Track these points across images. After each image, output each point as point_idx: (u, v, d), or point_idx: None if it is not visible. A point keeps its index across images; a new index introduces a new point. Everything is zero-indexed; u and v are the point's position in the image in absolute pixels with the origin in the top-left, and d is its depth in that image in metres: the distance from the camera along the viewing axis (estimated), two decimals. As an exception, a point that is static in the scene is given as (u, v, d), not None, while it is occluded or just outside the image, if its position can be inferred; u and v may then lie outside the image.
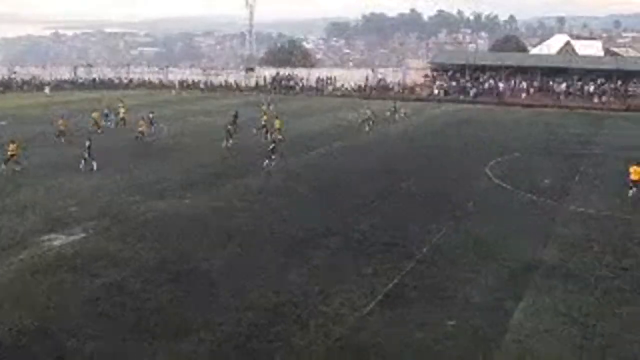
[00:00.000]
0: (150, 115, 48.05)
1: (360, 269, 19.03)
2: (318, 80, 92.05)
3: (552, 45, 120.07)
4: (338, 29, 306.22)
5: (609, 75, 78.89)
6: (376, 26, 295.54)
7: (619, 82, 77.81)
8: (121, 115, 50.45)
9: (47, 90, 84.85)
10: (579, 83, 79.43)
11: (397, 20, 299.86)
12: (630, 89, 76.75)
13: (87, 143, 33.06)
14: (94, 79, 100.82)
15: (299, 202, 27.22)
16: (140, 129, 42.76)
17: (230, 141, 40.56)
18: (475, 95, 79.32)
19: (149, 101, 71.08)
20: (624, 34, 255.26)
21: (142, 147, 40.50)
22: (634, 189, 28.98)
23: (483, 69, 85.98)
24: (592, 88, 77.86)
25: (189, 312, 15.80)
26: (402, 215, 25.06)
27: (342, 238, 22.12)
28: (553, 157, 39.22)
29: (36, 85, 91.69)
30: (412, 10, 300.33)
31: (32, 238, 21.42)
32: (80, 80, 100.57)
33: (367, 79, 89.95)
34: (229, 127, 41.43)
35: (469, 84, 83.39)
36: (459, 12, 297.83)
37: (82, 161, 32.67)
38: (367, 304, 16.52)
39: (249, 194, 28.27)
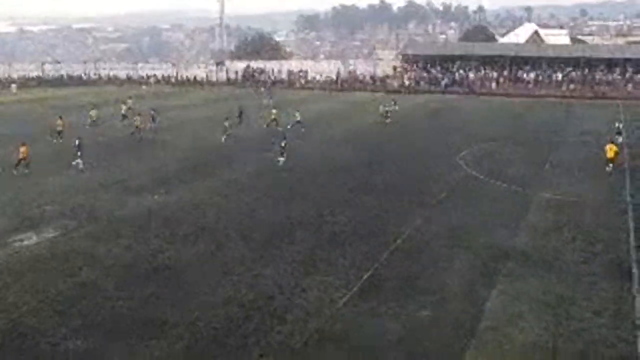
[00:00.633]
0: (152, 112, 47.72)
1: (336, 261, 19.11)
2: (289, 73, 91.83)
3: (520, 35, 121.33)
4: (308, 21, 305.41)
5: (576, 63, 79.91)
6: (346, 18, 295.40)
7: (586, 70, 78.87)
8: (123, 111, 49.99)
9: (13, 88, 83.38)
10: (548, 72, 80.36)
11: (367, 11, 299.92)
12: (597, 76, 77.83)
13: (77, 141, 32.88)
14: (62, 76, 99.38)
15: (273, 196, 27.17)
16: (136, 124, 42.36)
17: (224, 136, 40.44)
18: (446, 85, 79.80)
19: (121, 97, 70.27)
20: (590, 23, 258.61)
21: (118, 143, 40.02)
22: (610, 165, 30.80)
23: (453, 59, 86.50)
24: (560, 76, 78.82)
25: (164, 310, 15.73)
26: (377, 207, 25.17)
27: (317, 231, 22.16)
28: (524, 146, 39.66)
29: (1, 83, 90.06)
30: (382, 2, 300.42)
31: (3, 238, 21.13)
32: (48, 78, 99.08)
33: (338, 71, 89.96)
34: (225, 123, 41.20)
35: (439, 75, 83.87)
36: (429, 3, 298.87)
37: (78, 160, 32.50)
38: (343, 295, 16.60)
39: (223, 189, 28.15)
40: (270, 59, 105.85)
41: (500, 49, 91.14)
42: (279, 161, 33.07)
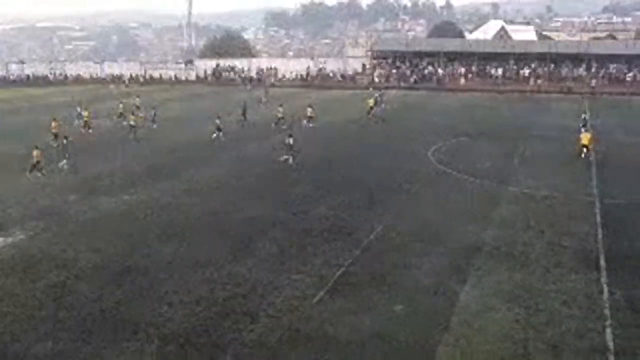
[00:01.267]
0: (153, 111, 47.43)
1: (308, 259, 19.10)
2: (259, 71, 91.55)
3: (487, 31, 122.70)
4: (277, 19, 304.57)
5: (542, 58, 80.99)
6: (315, 15, 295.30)
7: (552, 66, 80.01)
8: (120, 110, 49.43)
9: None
10: (515, 67, 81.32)
11: (336, 9, 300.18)
12: (562, 71, 78.99)
13: (64, 142, 32.59)
14: (28, 76, 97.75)
15: (245, 194, 27.07)
16: (131, 123, 41.82)
17: (219, 134, 40.26)
18: (415, 81, 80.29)
19: (89, 96, 69.42)
20: (555, 19, 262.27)
21: (86, 144, 39.42)
22: (585, 151, 33.19)
23: (422, 55, 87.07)
24: (527, 72, 79.83)
25: (136, 311, 15.57)
26: (348, 204, 25.21)
27: (289, 229, 22.13)
28: (492, 141, 40.06)
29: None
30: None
31: (-32, 242, 20.70)
32: (12, 77, 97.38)
33: (308, 68, 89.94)
34: (217, 121, 40.90)
35: (408, 71, 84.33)
36: (397, 0, 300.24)
37: (64, 161, 32.15)
38: (316, 293, 16.61)
39: (192, 188, 27.94)
40: (239, 57, 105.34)
41: (468, 45, 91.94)
42: (286, 159, 32.68)
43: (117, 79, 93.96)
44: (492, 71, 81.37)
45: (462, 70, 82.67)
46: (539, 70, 79.84)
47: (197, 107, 57.80)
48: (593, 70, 77.96)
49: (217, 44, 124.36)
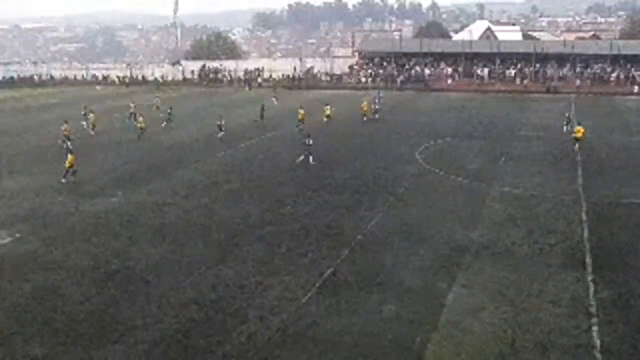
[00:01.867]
0: (169, 111, 47.42)
1: (297, 259, 19.13)
2: (246, 71, 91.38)
3: (473, 31, 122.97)
4: (263, 19, 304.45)
5: (528, 59, 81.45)
6: (302, 16, 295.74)
7: (538, 65, 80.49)
8: (131, 111, 49.14)
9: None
10: (501, 67, 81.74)
11: (322, 9, 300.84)
12: (548, 71, 79.48)
13: (68, 144, 32.34)
14: (13, 77, 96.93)
15: (232, 194, 27.04)
16: (140, 125, 41.59)
17: (222, 134, 40.31)
18: (402, 82, 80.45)
19: (75, 97, 69.11)
20: (540, 19, 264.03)
21: (83, 145, 39.18)
22: (577, 144, 35.45)
23: (409, 55, 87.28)
24: (513, 72, 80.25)
25: (124, 313, 15.54)
26: (336, 204, 25.26)
27: (277, 229, 22.15)
28: (479, 141, 40.24)
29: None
30: (338, 0, 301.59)
31: (-47, 245, 20.56)
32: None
33: (295, 69, 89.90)
34: (219, 122, 40.99)
35: (395, 72, 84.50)
36: (383, 0, 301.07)
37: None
38: (305, 293, 16.64)
39: (181, 189, 27.88)
40: (226, 58, 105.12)
41: (454, 45, 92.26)
42: (303, 159, 32.57)
43: (104, 80, 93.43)
44: (478, 71, 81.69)
45: (449, 70, 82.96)
46: (525, 70, 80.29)
47: (188, 108, 57.54)
48: (578, 70, 78.50)
49: (203, 45, 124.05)
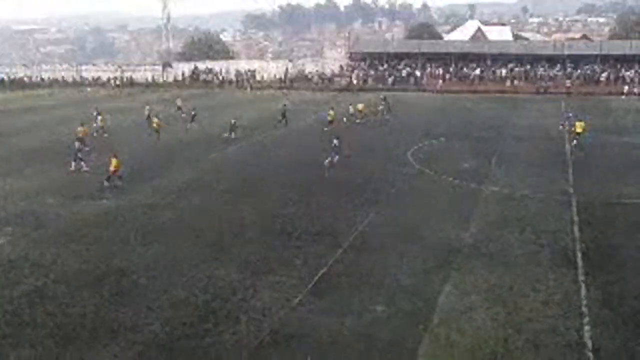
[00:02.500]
0: (193, 112, 47.25)
1: (289, 260, 19.10)
2: (237, 73, 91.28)
3: (464, 32, 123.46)
4: (255, 20, 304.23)
5: (519, 59, 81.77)
6: (293, 17, 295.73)
7: (528, 66, 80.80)
8: (147, 113, 48.66)
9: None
10: (492, 68, 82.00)
11: (313, 11, 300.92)
12: (538, 72, 79.80)
13: (77, 145, 32.28)
14: (3, 79, 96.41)
15: (224, 196, 26.99)
16: (155, 126, 41.27)
17: (233, 134, 40.60)
18: (393, 83, 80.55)
19: (67, 100, 68.89)
20: (530, 20, 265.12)
21: (62, 148, 39.00)
22: (577, 139, 36.74)
23: (400, 56, 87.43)
24: (504, 72, 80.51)
25: (116, 315, 15.47)
26: (328, 205, 25.25)
27: (269, 230, 22.11)
28: (471, 141, 40.34)
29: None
30: (329, 1, 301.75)
31: (-57, 248, 20.40)
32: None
33: (286, 70, 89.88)
34: (233, 121, 41.36)
35: (386, 72, 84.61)
36: (374, 1, 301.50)
37: (73, 162, 31.93)
38: (297, 294, 16.62)
39: (172, 191, 27.79)
40: (217, 59, 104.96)
41: (445, 46, 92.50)
42: (328, 159, 32.21)
43: (95, 82, 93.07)
44: (469, 72, 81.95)
45: (440, 71, 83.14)
46: (516, 71, 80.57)
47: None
48: (568, 70, 78.84)
49: (195, 46, 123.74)
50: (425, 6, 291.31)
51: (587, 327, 14.71)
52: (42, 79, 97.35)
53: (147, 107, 49.77)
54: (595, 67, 78.80)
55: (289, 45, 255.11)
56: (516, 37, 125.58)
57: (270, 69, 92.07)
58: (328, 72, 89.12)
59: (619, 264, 18.85)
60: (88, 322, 15.15)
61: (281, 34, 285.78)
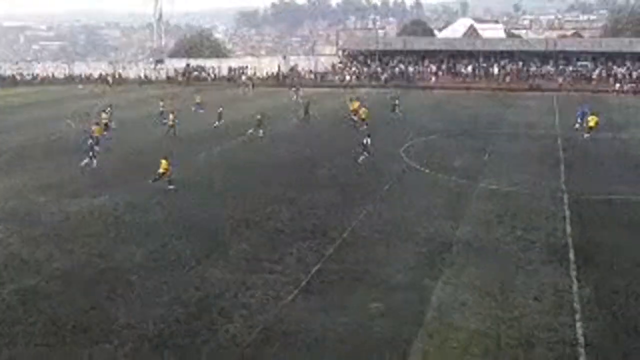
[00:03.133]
0: (220, 110, 46.50)
1: (282, 258, 19.11)
2: (230, 70, 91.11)
3: (457, 29, 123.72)
4: (247, 17, 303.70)
5: (511, 56, 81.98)
6: (286, 14, 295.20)
7: (521, 63, 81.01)
8: (161, 108, 48.47)
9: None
10: (484, 65, 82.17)
11: (306, 7, 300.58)
12: (531, 69, 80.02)
13: (90, 142, 32.35)
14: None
15: (217, 194, 26.96)
16: (170, 123, 41.06)
17: (261, 132, 40.59)
18: (386, 80, 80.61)
19: (59, 97, 68.63)
20: (523, 17, 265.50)
21: (54, 146, 38.89)
22: (590, 133, 38.56)
23: (393, 53, 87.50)
24: (496, 69, 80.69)
25: (109, 313, 15.44)
26: (321, 202, 25.26)
27: (262, 228, 22.11)
28: (463, 138, 40.42)
29: None
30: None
31: None
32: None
33: (279, 67, 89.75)
34: (259, 116, 41.32)
35: (379, 69, 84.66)
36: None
37: (86, 159, 31.86)
38: (291, 292, 16.63)
39: (164, 188, 27.67)
40: (210, 56, 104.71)
41: (438, 43, 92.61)
42: (360, 158, 32.25)
43: (86, 79, 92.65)
44: (462, 69, 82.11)
45: (433, 68, 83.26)
46: (508, 68, 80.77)
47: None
48: (560, 67, 79.09)
49: (187, 43, 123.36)
50: (418, 3, 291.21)
51: (579, 323, 14.79)
52: (34, 76, 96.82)
53: (161, 103, 49.32)
54: (587, 64, 79.05)
55: (282, 42, 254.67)
56: (508, 34, 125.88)
57: (263, 66, 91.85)
58: (321, 68, 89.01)
59: (611, 260, 18.93)
60: (81, 320, 15.10)
61: (274, 31, 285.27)
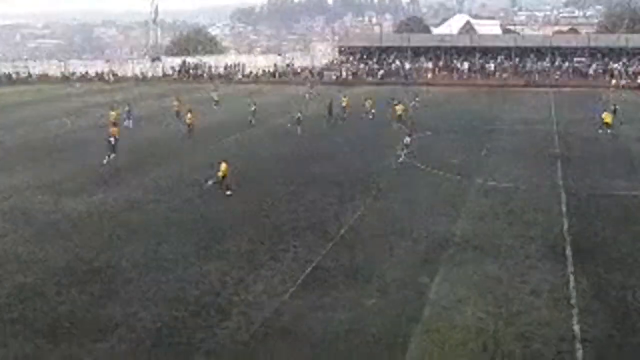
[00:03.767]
0: (253, 107, 45.88)
1: (279, 255, 19.13)
2: (226, 67, 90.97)
3: (453, 26, 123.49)
4: (244, 15, 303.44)
5: (508, 52, 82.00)
6: (282, 11, 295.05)
7: (517, 59, 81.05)
8: (176, 109, 47.72)
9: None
10: (480, 61, 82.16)
11: (302, 4, 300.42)
12: (527, 65, 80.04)
13: (113, 140, 32.39)
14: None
15: (213, 191, 26.90)
16: (188, 122, 40.26)
17: (299, 129, 40.80)
18: (383, 76, 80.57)
19: (56, 95, 68.48)
20: (519, 13, 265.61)
21: (51, 144, 38.75)
22: (603, 128, 38.88)
23: (389, 50, 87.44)
24: (492, 66, 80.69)
25: (107, 311, 15.44)
26: (318, 199, 25.27)
27: (259, 225, 22.11)
28: (460, 134, 40.42)
29: None
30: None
31: None
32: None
33: (275, 64, 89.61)
34: (298, 114, 41.63)
35: (376, 66, 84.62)
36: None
37: (107, 157, 31.86)
38: (288, 288, 16.65)
39: (162, 187, 27.71)
40: (206, 53, 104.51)
41: (434, 39, 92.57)
42: (400, 156, 31.93)
43: (83, 77, 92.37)
44: (458, 65, 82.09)
45: (429, 64, 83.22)
46: (504, 64, 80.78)
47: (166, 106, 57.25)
48: (557, 63, 79.13)
49: (183, 41, 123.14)
50: (414, 0, 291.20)
51: (576, 319, 14.83)
52: (30, 75, 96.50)
53: (175, 103, 48.57)
54: (584, 60, 79.10)
55: (278, 39, 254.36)
56: (505, 30, 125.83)
57: (259, 63, 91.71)
58: (318, 65, 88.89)
59: (607, 255, 18.99)
60: (79, 318, 15.11)
61: (270, 29, 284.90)
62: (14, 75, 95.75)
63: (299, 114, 41.59)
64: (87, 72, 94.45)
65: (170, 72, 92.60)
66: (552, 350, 13.53)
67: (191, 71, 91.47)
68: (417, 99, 53.07)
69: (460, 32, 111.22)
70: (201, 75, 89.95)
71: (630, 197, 25.48)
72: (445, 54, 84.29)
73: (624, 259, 18.70)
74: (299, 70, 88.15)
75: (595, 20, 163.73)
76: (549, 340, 13.90)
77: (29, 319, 15.10)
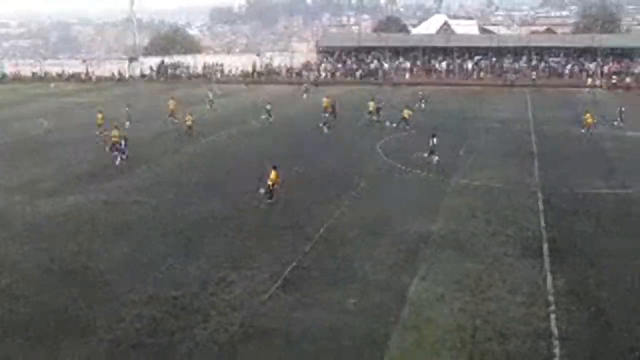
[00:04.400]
0: (268, 107, 45.85)
1: (259, 255, 19.11)
2: (205, 67, 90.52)
3: (431, 26, 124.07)
4: (222, 14, 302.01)
5: (485, 52, 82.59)
6: (261, 11, 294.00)
7: (494, 59, 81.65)
8: (171, 108, 46.79)
9: None
10: (458, 61, 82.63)
11: (281, 4, 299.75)
12: (504, 65, 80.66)
13: (123, 143, 32.25)
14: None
15: (193, 191, 26.81)
16: (188, 123, 39.82)
17: (325, 128, 41.01)
18: (361, 76, 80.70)
19: (31, 96, 67.66)
20: (496, 13, 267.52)
21: (27, 145, 38.27)
22: (588, 129, 39.25)
23: (367, 50, 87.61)
24: (470, 65, 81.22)
25: (86, 312, 15.34)
26: (298, 199, 25.26)
27: (239, 225, 22.07)
28: (439, 134, 40.47)
29: None
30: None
31: None
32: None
33: (254, 64, 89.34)
34: (326, 114, 42.43)
35: (354, 66, 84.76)
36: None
37: (118, 158, 31.75)
38: (268, 289, 16.65)
39: (141, 187, 27.52)
40: (185, 53, 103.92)
41: (412, 39, 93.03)
42: (437, 161, 31.51)
43: (59, 77, 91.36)
44: (437, 65, 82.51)
45: (407, 64, 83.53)
46: (482, 64, 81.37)
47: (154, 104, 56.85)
48: (533, 63, 79.84)
49: (161, 40, 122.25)
50: (392, 0, 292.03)
51: (553, 316, 15.02)
52: (4, 74, 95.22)
53: (171, 102, 47.80)
54: (560, 60, 79.91)
55: (257, 39, 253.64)
56: (482, 30, 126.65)
57: (238, 63, 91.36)
58: (296, 65, 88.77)
59: (584, 252, 19.25)
60: (57, 320, 14.99)
61: (249, 28, 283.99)
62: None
63: (326, 114, 42.71)
64: (63, 72, 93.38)
65: (148, 72, 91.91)
66: (530, 347, 13.70)
67: (169, 71, 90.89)
68: (422, 101, 53.03)
69: (438, 32, 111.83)
70: (179, 75, 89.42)
71: (607, 195, 25.82)
72: (424, 54, 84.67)
73: (600, 256, 18.96)
74: (277, 70, 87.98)
75: (571, 21, 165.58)
76: (527, 337, 14.07)
77: (6, 320, 14.96)
